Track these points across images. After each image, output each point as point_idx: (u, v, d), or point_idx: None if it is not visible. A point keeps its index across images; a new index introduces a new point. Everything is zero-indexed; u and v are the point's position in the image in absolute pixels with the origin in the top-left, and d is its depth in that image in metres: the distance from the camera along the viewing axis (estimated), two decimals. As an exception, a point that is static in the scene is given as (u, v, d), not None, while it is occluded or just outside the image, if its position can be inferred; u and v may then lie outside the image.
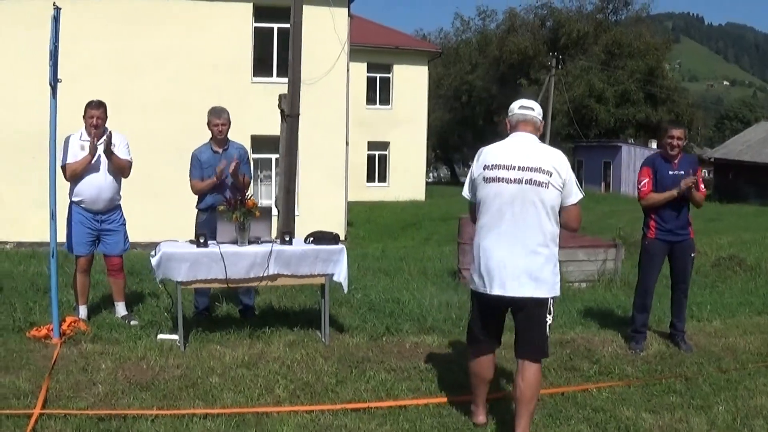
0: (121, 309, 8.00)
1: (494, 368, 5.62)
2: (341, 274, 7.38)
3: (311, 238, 7.42)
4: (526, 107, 5.42)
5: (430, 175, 66.76)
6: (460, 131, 64.98)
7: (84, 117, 7.59)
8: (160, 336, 7.23)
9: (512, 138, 5.37)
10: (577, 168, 48.97)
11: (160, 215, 18.85)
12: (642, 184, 7.91)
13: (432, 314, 8.81)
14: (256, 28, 22.93)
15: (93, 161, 7.49)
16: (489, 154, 5.33)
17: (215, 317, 8.29)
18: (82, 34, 18.61)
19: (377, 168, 41.25)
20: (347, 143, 24.36)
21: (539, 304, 5.19)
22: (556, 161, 5.20)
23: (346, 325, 8.09)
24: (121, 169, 7.73)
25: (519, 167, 5.14)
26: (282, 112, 11.49)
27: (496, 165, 5.22)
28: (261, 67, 23.14)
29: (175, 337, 7.13)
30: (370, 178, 40.74)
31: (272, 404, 5.81)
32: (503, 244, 5.16)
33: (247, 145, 23.93)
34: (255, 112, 19.81)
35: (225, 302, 8.78)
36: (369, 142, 39.25)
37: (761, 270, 13.76)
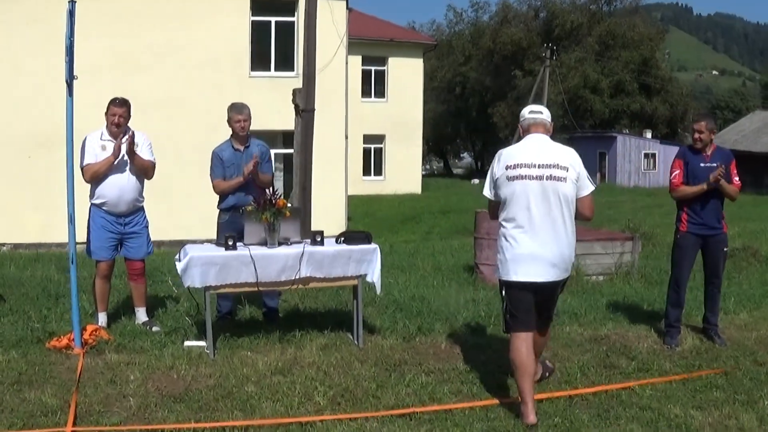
0: (141, 315, 7.69)
1: (534, 358, 5.79)
2: (374, 275, 7.14)
3: (342, 238, 7.16)
4: (535, 111, 5.91)
5: (424, 167, 66.53)
6: (453, 123, 64.87)
7: (106, 114, 7.27)
8: (187, 343, 6.94)
9: (528, 139, 5.83)
10: (572, 158, 48.82)
11: (162, 213, 18.56)
12: (673, 175, 7.83)
13: (460, 312, 8.62)
14: (253, 21, 22.72)
15: (116, 162, 7.19)
16: (509, 155, 5.77)
17: (238, 321, 8.02)
18: (79, 33, 18.34)
19: (373, 161, 41.09)
20: (347, 137, 24.16)
21: (562, 284, 5.89)
22: (571, 157, 5.71)
23: (376, 326, 7.85)
24: (144, 170, 7.41)
25: (539, 165, 5.61)
26: (296, 107, 11.22)
27: (518, 164, 5.66)
28: (259, 61, 22.93)
29: (202, 343, 6.86)
30: (366, 171, 40.57)
31: (313, 413, 5.57)
32: (532, 235, 5.60)
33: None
34: (253, 107, 19.43)
35: (247, 305, 8.51)
36: (364, 136, 39.08)
37: (775, 261, 13.75)
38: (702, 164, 7.61)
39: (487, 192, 5.93)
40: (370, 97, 39.80)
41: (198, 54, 21.64)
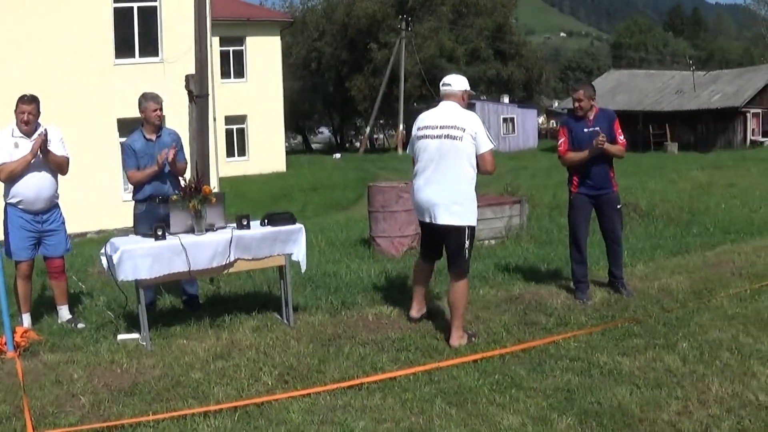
0: (65, 313, 7.52)
1: (430, 275, 7.44)
2: (299, 254, 7.22)
3: (266, 220, 7.20)
4: (445, 84, 6.88)
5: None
6: (310, 99, 64.58)
7: (15, 112, 7.06)
8: (120, 336, 6.84)
9: (439, 106, 6.88)
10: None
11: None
12: (559, 143, 8.23)
13: (375, 284, 8.83)
14: (115, 8, 22.07)
15: (32, 160, 6.98)
16: (421, 119, 6.91)
17: (160, 311, 7.91)
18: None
19: (236, 142, 40.61)
20: (214, 119, 23.84)
21: (458, 230, 6.66)
22: (467, 120, 6.64)
23: (300, 304, 7.92)
24: (59, 166, 7.22)
25: (440, 126, 6.66)
26: (190, 93, 11.07)
27: (424, 126, 6.79)
28: (123, 48, 22.31)
29: (135, 336, 6.78)
30: (229, 153, 40.00)
31: (265, 393, 5.65)
32: (430, 184, 6.68)
33: (113, 129, 23.21)
34: (119, 95, 19.22)
35: (166, 294, 8.42)
36: (226, 117, 38.41)
37: (655, 214, 14.60)
38: (585, 130, 7.98)
39: (409, 150, 7.05)
40: (230, 77, 39.25)
41: (59, 43, 20.87)
